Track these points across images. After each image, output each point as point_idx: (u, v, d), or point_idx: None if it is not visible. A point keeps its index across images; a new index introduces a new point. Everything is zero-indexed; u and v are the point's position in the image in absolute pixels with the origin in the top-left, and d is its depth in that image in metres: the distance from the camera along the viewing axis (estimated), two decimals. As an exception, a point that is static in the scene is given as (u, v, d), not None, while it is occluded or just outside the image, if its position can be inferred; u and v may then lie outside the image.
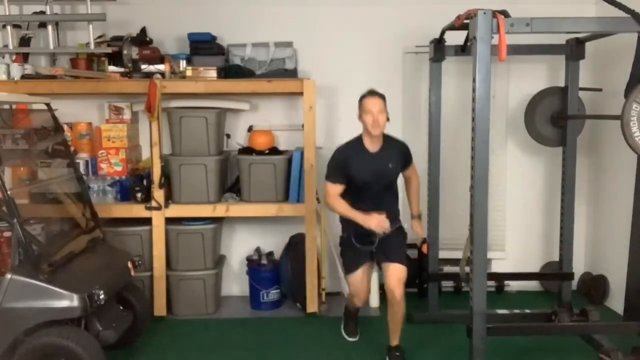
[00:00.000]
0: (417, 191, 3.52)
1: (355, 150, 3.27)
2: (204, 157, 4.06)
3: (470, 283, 2.98)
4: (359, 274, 3.36)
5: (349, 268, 3.41)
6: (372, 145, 3.26)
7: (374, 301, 4.32)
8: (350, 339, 3.73)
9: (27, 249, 2.87)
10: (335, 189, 3.25)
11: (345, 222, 3.36)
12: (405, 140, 3.50)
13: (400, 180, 3.46)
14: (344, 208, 3.23)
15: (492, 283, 4.46)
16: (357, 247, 3.32)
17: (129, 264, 3.48)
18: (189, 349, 3.63)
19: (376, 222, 3.15)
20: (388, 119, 3.22)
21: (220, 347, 3.66)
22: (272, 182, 4.12)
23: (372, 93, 3.23)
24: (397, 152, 3.33)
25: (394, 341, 3.36)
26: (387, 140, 3.31)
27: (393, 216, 3.33)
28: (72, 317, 2.91)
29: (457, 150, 4.31)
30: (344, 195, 3.27)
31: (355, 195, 3.26)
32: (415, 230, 3.55)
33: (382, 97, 3.22)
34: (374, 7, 4.42)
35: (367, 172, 3.23)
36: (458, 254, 4.29)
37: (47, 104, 3.53)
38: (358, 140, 3.29)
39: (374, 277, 4.24)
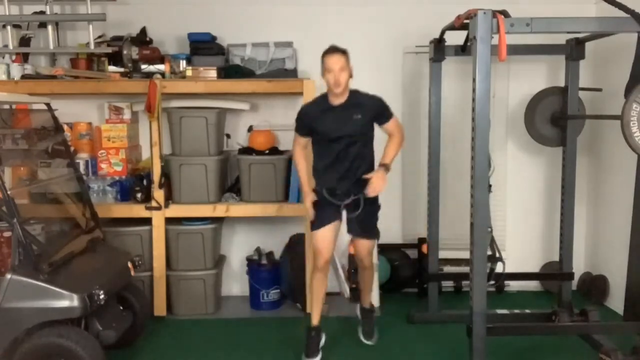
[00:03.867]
0: (396, 144, 3.34)
1: (319, 105, 3.34)
2: (204, 157, 4.07)
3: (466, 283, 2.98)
4: (325, 231, 3.34)
5: (316, 224, 3.37)
6: (337, 100, 3.27)
7: (374, 301, 4.31)
8: None
9: (27, 249, 2.87)
10: (301, 140, 3.43)
11: (318, 176, 3.40)
12: (405, 139, 3.46)
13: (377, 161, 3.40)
14: (301, 168, 3.46)
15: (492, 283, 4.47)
16: (328, 201, 3.32)
17: (129, 264, 3.48)
18: (189, 349, 3.63)
19: (308, 204, 3.37)
20: (351, 76, 3.23)
21: (220, 347, 3.66)
22: (272, 182, 4.13)
23: (333, 50, 3.21)
24: (365, 105, 3.29)
25: (366, 302, 3.69)
26: (355, 94, 3.30)
27: (361, 179, 3.28)
28: (72, 317, 2.91)
29: (457, 150, 4.31)
30: (314, 148, 3.40)
31: (324, 150, 3.34)
32: (371, 180, 3.19)
33: (344, 52, 3.20)
34: (374, 7, 4.42)
35: (330, 124, 3.26)
36: (458, 254, 4.34)
37: (47, 104, 3.53)
38: (323, 96, 3.35)
39: (375, 276, 4.25)
